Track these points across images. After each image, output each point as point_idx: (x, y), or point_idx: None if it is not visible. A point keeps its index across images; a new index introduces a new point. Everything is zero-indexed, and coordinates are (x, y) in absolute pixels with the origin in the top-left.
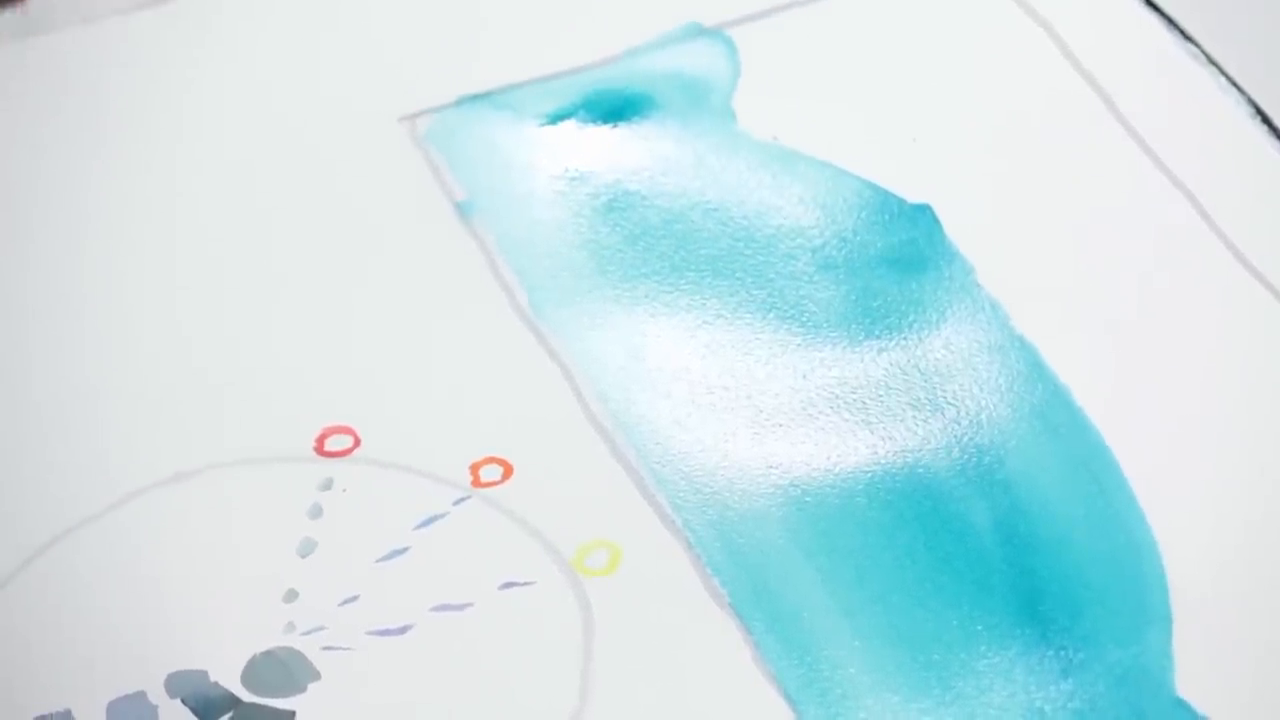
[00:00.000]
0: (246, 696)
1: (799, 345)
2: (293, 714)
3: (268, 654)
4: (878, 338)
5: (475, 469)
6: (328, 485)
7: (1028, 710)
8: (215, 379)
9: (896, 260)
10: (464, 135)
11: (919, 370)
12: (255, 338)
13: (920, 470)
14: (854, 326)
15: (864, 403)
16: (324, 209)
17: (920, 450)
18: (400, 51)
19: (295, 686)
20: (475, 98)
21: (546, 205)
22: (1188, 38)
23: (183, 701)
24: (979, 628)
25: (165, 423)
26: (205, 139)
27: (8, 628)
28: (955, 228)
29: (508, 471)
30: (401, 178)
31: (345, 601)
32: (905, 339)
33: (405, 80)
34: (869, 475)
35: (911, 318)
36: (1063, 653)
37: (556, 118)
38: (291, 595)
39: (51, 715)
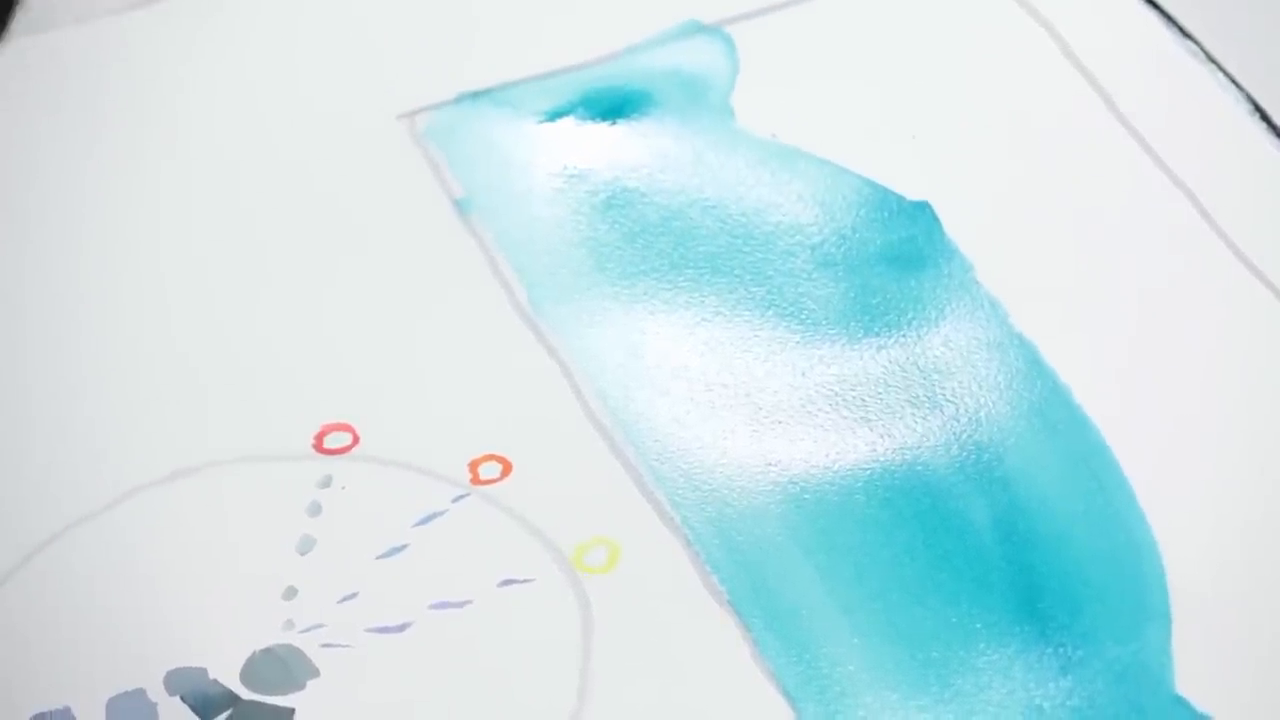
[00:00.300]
0: (245, 694)
1: (798, 342)
2: (292, 711)
3: (267, 651)
4: (877, 335)
5: (474, 466)
6: (326, 483)
7: (1026, 707)
8: (213, 376)
9: (895, 257)
10: (463, 132)
11: (918, 368)
12: (253, 335)
13: (919, 467)
14: (853, 324)
15: (863, 400)
16: (322, 206)
17: (919, 448)
18: (398, 49)
19: (294, 684)
20: (474, 95)
21: (545, 202)
22: (1187, 35)
23: (182, 699)
24: (978, 625)
25: (163, 420)
26: (202, 137)
27: (7, 625)
28: (954, 225)
29: (506, 469)
30: (400, 175)
31: (344, 599)
32: (904, 336)
33: (403, 78)
34: (868, 472)
35: (910, 315)
36: (1062, 650)
37: (555, 115)
38: (290, 592)
39: (51, 713)
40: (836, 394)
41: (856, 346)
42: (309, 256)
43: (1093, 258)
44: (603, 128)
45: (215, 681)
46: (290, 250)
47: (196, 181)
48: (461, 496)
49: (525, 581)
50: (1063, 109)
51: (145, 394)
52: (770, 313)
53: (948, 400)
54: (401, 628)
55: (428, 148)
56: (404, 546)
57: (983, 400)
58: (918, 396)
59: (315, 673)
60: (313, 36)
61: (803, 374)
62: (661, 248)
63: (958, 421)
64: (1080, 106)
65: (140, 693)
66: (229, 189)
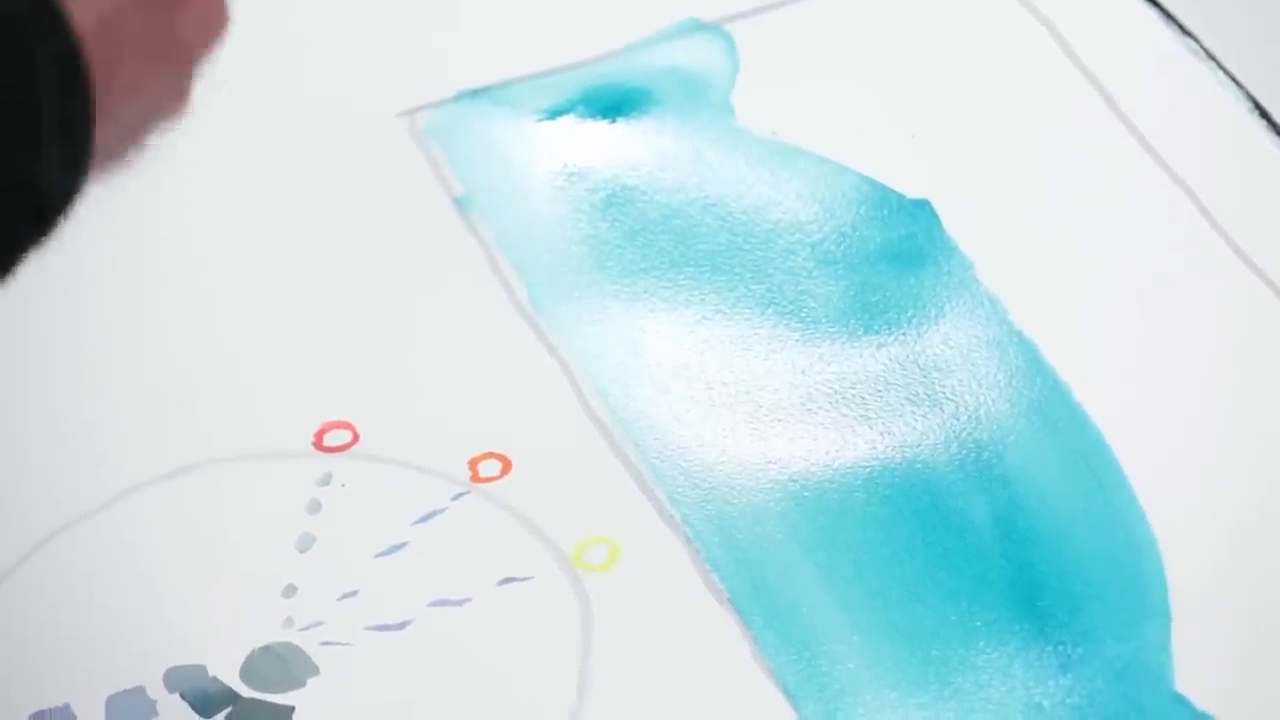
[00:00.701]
0: (245, 691)
1: (798, 340)
2: (291, 709)
3: (266, 649)
4: (876, 333)
5: (474, 464)
6: (326, 480)
7: (1026, 705)
8: (212, 374)
9: (895, 255)
10: (463, 130)
11: (918, 365)
12: (252, 333)
13: (919, 465)
14: (853, 322)
15: (863, 398)
16: (323, 204)
17: (919, 446)
18: (399, 47)
19: (294, 682)
20: (474, 93)
21: (545, 200)
22: (1187, 33)
23: (181, 696)
24: (977, 623)
25: (162, 418)
26: (200, 134)
27: (6, 623)
28: (954, 223)
29: (506, 467)
30: (400, 173)
31: (344, 597)
32: (904, 334)
33: (404, 76)
34: (868, 471)
35: (910, 313)
36: (1061, 648)
37: (555, 113)
38: (290, 590)
39: (51, 710)
40: (836, 392)
41: (856, 344)
42: (309, 254)
43: (1093, 255)
44: (603, 126)
45: (215, 679)
46: (290, 248)
47: (195, 179)
48: (461, 494)
49: (525, 579)
50: (1063, 107)
51: (144, 392)
52: (770, 311)
53: (947, 398)
54: (401, 625)
55: (427, 145)
56: (404, 544)
57: (982, 398)
58: (917, 394)
59: (315, 670)
60: (312, 34)
61: (803, 372)
62: (662, 246)
63: (957, 419)
64: (1080, 104)
65: (140, 690)
66: (227, 186)
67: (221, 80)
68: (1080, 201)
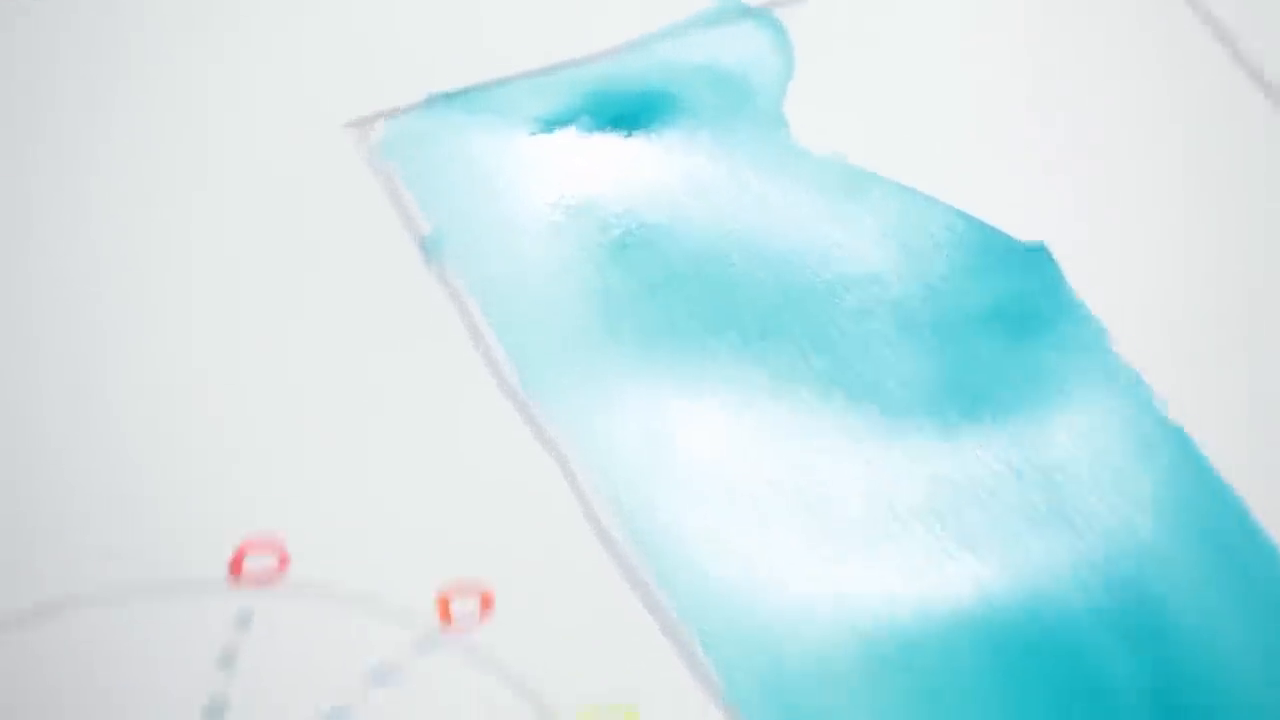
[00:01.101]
0: None
1: (874, 433)
2: None
3: None
4: (980, 423)
5: (444, 601)
6: (245, 622)
7: None
8: (90, 469)
9: (1003, 319)
10: (431, 147)
11: (1036, 469)
12: (148, 419)
13: (1042, 608)
14: (948, 408)
15: (962, 513)
16: (244, 245)
17: (1041, 579)
18: (350, 38)
19: None
20: (447, 96)
21: (540, 242)
22: None
23: None
24: None
25: (19, 533)
26: (96, 147)
27: None
28: (1081, 275)
29: (487, 605)
30: (347, 203)
31: None
32: (1017, 426)
33: (355, 74)
34: (971, 614)
35: (1025, 397)
36: None
37: (552, 124)
38: None
39: None
40: (927, 504)
41: (954, 440)
42: (229, 310)
43: (1269, 322)
44: (615, 141)
45: None
46: (206, 301)
47: (92, 203)
48: (427, 644)
49: None
50: (1231, 125)
51: None
52: (837, 392)
53: (1078, 514)
54: None
55: (384, 166)
56: (346, 712)
57: (1126, 515)
58: (1037, 509)
59: None
60: (242, 23)
61: (882, 475)
62: (692, 303)
63: (1092, 545)
64: (1254, 121)
65: None
66: (133, 213)
67: (114, 71)
68: (1252, 248)
